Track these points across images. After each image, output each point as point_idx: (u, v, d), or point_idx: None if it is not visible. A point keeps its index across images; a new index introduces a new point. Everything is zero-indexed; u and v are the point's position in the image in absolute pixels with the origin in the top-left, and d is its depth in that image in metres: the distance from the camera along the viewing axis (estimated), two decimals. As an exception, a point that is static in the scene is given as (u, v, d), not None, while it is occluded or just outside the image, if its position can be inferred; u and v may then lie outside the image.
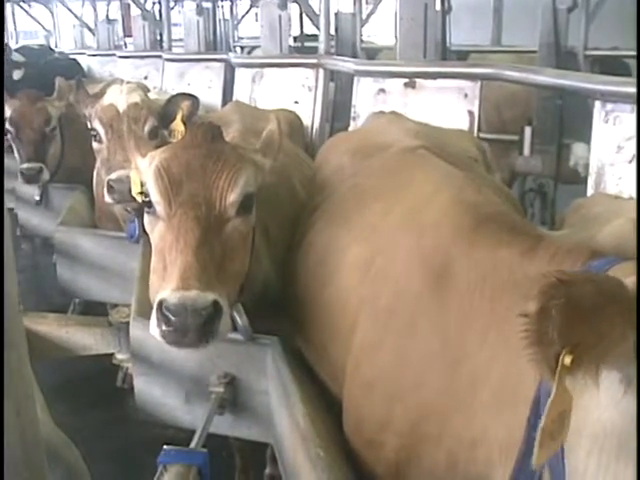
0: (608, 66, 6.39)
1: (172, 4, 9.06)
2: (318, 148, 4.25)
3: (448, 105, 4.14)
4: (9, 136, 4.70)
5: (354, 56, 7.18)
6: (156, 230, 2.10)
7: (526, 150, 4.94)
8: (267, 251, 2.67)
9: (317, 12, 5.93)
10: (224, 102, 5.99)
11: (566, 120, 5.21)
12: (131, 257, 3.37)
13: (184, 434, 2.27)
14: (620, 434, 1.13)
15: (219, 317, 1.89)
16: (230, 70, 6.10)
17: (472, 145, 3.29)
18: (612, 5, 7.58)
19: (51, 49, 10.52)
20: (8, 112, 4.68)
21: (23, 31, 14.53)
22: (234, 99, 5.48)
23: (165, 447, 1.98)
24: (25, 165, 4.55)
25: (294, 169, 3.24)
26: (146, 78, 7.16)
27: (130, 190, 2.37)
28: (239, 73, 5.66)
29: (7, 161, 4.89)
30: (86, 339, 2.85)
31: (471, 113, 4.09)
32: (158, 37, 8.40)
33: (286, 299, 2.63)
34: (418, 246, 1.95)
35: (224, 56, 6.38)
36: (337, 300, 2.21)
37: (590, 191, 3.08)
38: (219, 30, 9.05)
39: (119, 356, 2.80)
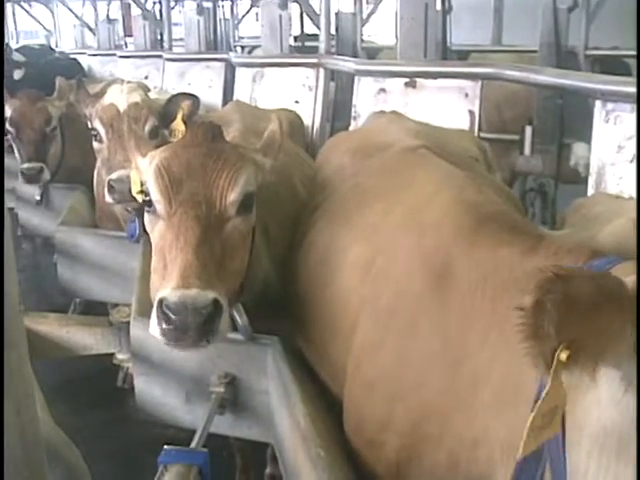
0: (608, 66, 6.40)
1: (173, 4, 9.06)
2: (319, 148, 4.26)
3: (449, 105, 4.14)
4: (9, 136, 4.70)
5: (355, 56, 7.19)
6: (156, 229, 2.10)
7: (527, 150, 4.94)
8: (267, 250, 2.67)
9: (317, 12, 5.93)
10: (224, 102, 5.99)
11: (567, 120, 5.21)
12: (132, 257, 3.37)
13: (185, 434, 2.27)
14: (620, 434, 1.12)
15: (219, 315, 1.89)
16: (231, 70, 6.11)
17: (473, 145, 3.29)
18: (612, 5, 7.59)
19: (51, 49, 10.53)
20: (9, 112, 4.68)
21: (24, 31, 14.54)
22: (234, 99, 5.48)
23: (166, 447, 1.98)
24: (26, 165, 4.55)
25: (295, 168, 3.24)
26: (147, 78, 7.16)
27: (130, 190, 2.37)
28: (240, 73, 5.66)
29: (7, 161, 4.89)
30: (87, 339, 2.85)
31: (472, 113, 4.09)
32: (159, 37, 8.40)
33: (287, 299, 2.63)
34: (419, 246, 1.95)
35: (225, 56, 6.39)
36: (338, 300, 2.21)
37: (591, 191, 3.08)
38: (220, 30, 9.04)
39: (120, 356, 2.80)
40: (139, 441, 3.61)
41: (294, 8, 7.07)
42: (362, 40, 7.74)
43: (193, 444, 2.08)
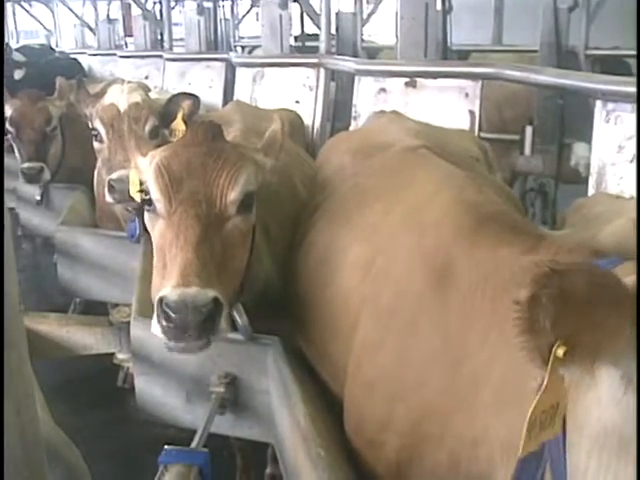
0: (609, 65, 6.40)
1: (173, 4, 9.06)
2: (319, 148, 4.26)
3: (449, 104, 4.14)
4: (10, 136, 4.70)
5: (355, 55, 7.19)
6: (156, 228, 2.10)
7: (527, 150, 4.94)
8: (268, 250, 2.67)
9: (318, 12, 5.93)
10: (225, 102, 5.99)
11: (567, 120, 5.21)
12: (132, 257, 3.37)
13: (185, 434, 2.27)
14: (621, 433, 1.12)
15: (219, 314, 1.89)
16: (231, 70, 6.11)
17: (473, 144, 3.29)
18: (613, 5, 7.59)
19: (52, 49, 10.52)
20: (9, 112, 4.67)
21: (24, 31, 14.54)
22: (235, 99, 5.48)
23: (166, 447, 1.98)
24: (26, 165, 4.54)
25: (295, 168, 3.24)
26: (147, 78, 7.16)
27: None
28: (240, 73, 5.66)
29: (8, 161, 4.89)
30: (87, 339, 2.85)
31: (472, 112, 4.09)
32: (159, 37, 8.40)
33: (287, 298, 2.63)
34: (419, 246, 1.95)
35: (225, 56, 6.39)
36: (338, 300, 2.21)
37: (591, 191, 3.08)
38: (220, 30, 9.04)
39: (120, 356, 2.80)
40: (139, 441, 3.60)
41: (294, 8, 7.06)
42: (362, 40, 7.75)
43: (193, 444, 2.08)
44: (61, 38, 12.18)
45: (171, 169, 2.11)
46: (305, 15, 7.57)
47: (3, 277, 1.08)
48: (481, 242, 1.78)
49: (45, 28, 12.35)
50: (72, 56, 9.32)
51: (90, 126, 3.45)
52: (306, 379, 2.34)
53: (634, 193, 2.81)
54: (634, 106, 2.87)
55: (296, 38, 8.70)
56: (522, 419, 1.19)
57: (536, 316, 1.05)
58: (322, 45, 5.68)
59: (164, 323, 1.85)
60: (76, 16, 11.16)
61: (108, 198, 3.11)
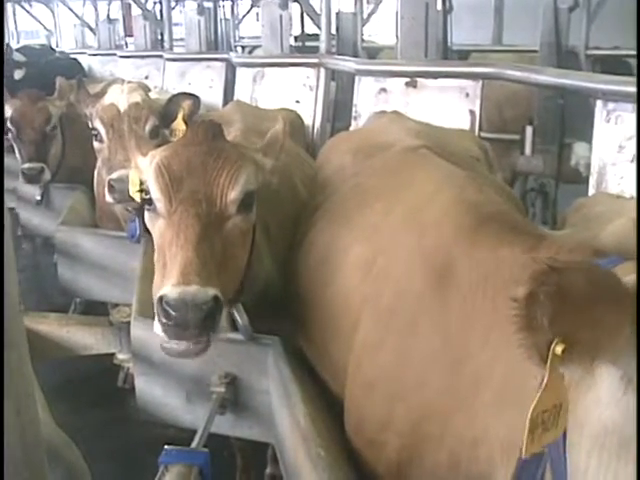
0: (609, 65, 6.40)
1: (173, 4, 9.06)
2: (319, 148, 4.26)
3: (449, 104, 4.14)
4: (10, 136, 4.70)
5: (355, 55, 7.19)
6: (156, 227, 2.10)
7: (527, 150, 4.94)
8: (268, 250, 2.67)
9: (318, 12, 5.92)
10: (225, 102, 5.99)
11: (567, 119, 5.20)
12: (132, 257, 3.37)
13: (185, 434, 2.27)
14: (621, 432, 1.12)
15: (220, 312, 1.89)
16: (231, 70, 6.11)
17: (474, 144, 3.29)
18: (613, 4, 7.59)
19: (52, 49, 10.52)
20: (9, 112, 4.67)
21: (24, 31, 14.53)
22: (235, 99, 5.48)
23: (166, 447, 1.98)
24: (26, 165, 4.54)
25: (295, 168, 3.24)
26: (147, 78, 7.16)
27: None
28: (240, 73, 5.66)
29: (8, 161, 4.89)
30: (87, 339, 2.85)
31: (472, 112, 4.08)
32: (159, 37, 8.40)
33: (287, 298, 2.62)
34: (419, 246, 1.95)
35: (225, 56, 6.39)
36: (339, 300, 2.21)
37: (592, 190, 3.08)
38: (220, 30, 9.04)
39: (120, 356, 2.80)
40: (140, 441, 3.60)
41: (295, 8, 7.07)
42: (363, 40, 7.75)
43: (194, 444, 2.08)
44: (61, 38, 12.18)
45: (171, 168, 2.11)
46: (305, 15, 7.56)
47: (3, 277, 1.08)
48: (482, 242, 1.78)
49: (45, 28, 12.35)
50: (72, 56, 9.32)
51: (90, 126, 3.45)
52: (306, 379, 2.34)
53: (634, 193, 2.81)
54: (634, 106, 2.87)
55: (296, 38, 8.70)
56: (523, 419, 1.19)
57: (534, 313, 1.05)
58: (322, 45, 5.67)
59: (164, 321, 1.85)
60: (76, 16, 11.16)
61: (108, 198, 3.11)
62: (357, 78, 4.59)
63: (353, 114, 4.57)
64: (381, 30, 12.44)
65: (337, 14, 7.55)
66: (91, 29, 10.73)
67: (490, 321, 1.63)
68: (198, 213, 2.01)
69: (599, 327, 1.06)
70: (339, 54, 6.55)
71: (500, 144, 5.05)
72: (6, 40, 11.20)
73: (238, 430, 2.48)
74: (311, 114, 5.07)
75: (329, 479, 1.83)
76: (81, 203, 4.54)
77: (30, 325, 2.76)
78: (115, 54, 8.56)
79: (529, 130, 4.89)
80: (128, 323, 2.63)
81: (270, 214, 2.67)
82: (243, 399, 2.40)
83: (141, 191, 2.18)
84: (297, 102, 5.13)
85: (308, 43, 8.23)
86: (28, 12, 12.18)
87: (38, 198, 4.76)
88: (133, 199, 2.36)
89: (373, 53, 7.88)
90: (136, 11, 9.01)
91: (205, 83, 6.35)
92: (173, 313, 1.83)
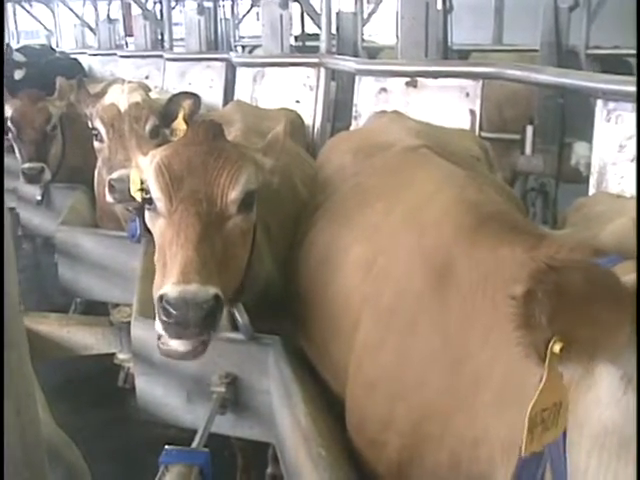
0: (610, 65, 6.39)
1: (173, 3, 9.05)
2: (319, 147, 4.26)
3: (450, 104, 4.14)
4: (10, 136, 4.70)
5: (355, 55, 7.19)
6: (157, 227, 2.11)
7: (528, 149, 4.93)
8: (269, 249, 2.67)
9: (318, 11, 5.92)
10: (225, 101, 5.99)
11: (568, 119, 5.20)
12: (132, 256, 3.37)
13: (186, 434, 2.27)
14: (621, 432, 1.12)
15: (220, 311, 1.90)
16: (231, 69, 6.11)
17: (474, 144, 3.28)
18: (613, 4, 7.59)
19: (52, 49, 10.52)
20: (9, 112, 4.68)
21: (24, 31, 14.52)
22: (235, 98, 5.48)
23: (167, 447, 1.98)
24: (27, 165, 4.54)
25: (296, 168, 3.24)
26: (147, 77, 7.15)
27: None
28: (240, 72, 5.66)
29: (8, 161, 4.89)
30: (87, 339, 2.85)
31: (472, 112, 4.08)
32: (159, 36, 8.39)
33: (288, 298, 2.63)
34: (420, 245, 1.95)
35: (225, 55, 6.39)
36: (339, 299, 2.21)
37: (592, 190, 3.08)
38: (220, 29, 9.02)
39: (120, 356, 2.80)
40: (140, 441, 3.60)
41: (295, 8, 7.06)
42: (363, 40, 7.74)
43: (194, 444, 2.08)
44: (61, 38, 12.17)
45: (172, 168, 2.11)
46: (305, 15, 7.55)
47: (3, 277, 1.08)
48: (482, 242, 1.78)
49: (46, 28, 12.34)
50: (72, 56, 9.32)
51: (90, 126, 3.45)
52: (307, 379, 2.34)
53: (635, 192, 2.81)
54: (635, 105, 2.87)
55: (296, 38, 8.69)
56: (523, 419, 1.19)
57: (532, 311, 1.05)
58: (322, 45, 5.67)
59: (165, 320, 1.86)
60: (76, 16, 11.15)
61: (108, 198, 3.11)
62: (357, 78, 4.59)
63: (353, 114, 4.57)
64: (381, 30, 12.43)
65: (337, 14, 7.55)
66: (91, 29, 10.72)
67: (490, 321, 1.63)
68: (198, 212, 2.01)
69: (597, 326, 1.06)
70: (339, 54, 6.54)
71: (500, 144, 5.05)
72: (6, 40, 11.20)
73: (239, 430, 2.48)
74: (311, 114, 5.07)
75: (330, 479, 1.83)
76: (81, 203, 4.54)
77: (30, 325, 2.76)
78: (115, 54, 8.55)
79: (529, 130, 4.89)
80: (128, 323, 2.63)
81: (270, 214, 2.67)
82: (244, 399, 2.40)
83: (142, 190, 2.18)
84: (297, 102, 5.13)
85: (308, 43, 8.22)
86: (28, 12, 12.18)
87: (38, 198, 4.76)
88: (133, 199, 2.36)
89: (373, 53, 7.87)
90: (136, 11, 9.00)
91: (205, 83, 6.35)
92: (173, 312, 1.83)
